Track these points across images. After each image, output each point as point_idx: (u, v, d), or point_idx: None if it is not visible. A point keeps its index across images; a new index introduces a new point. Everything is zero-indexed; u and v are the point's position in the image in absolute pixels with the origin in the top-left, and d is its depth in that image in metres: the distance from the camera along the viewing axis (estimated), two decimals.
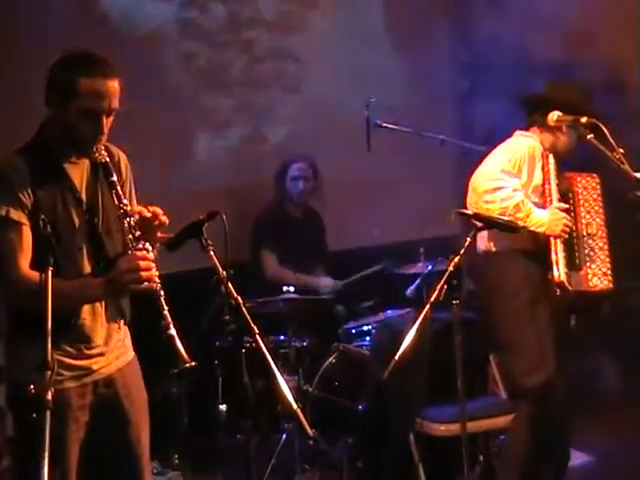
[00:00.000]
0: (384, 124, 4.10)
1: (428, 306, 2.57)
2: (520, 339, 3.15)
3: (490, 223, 2.78)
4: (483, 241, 3.24)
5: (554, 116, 3.15)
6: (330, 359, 4.00)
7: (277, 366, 2.19)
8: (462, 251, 2.60)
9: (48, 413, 1.90)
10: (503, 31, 4.61)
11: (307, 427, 2.18)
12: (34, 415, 1.90)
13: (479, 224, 2.70)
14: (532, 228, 3.08)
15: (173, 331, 2.20)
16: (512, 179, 3.08)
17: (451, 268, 2.58)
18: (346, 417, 3.79)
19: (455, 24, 5.19)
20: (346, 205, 4.71)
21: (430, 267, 4.01)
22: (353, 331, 4.14)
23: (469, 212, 2.73)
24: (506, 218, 2.93)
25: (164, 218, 2.31)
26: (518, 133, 3.32)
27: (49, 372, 1.93)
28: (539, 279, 3.14)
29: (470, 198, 3.13)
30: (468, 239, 2.62)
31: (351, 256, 4.71)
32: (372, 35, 5.03)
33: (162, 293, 2.22)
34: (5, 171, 2.25)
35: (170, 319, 2.21)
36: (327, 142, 4.70)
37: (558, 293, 3.10)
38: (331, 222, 4.62)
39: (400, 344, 2.57)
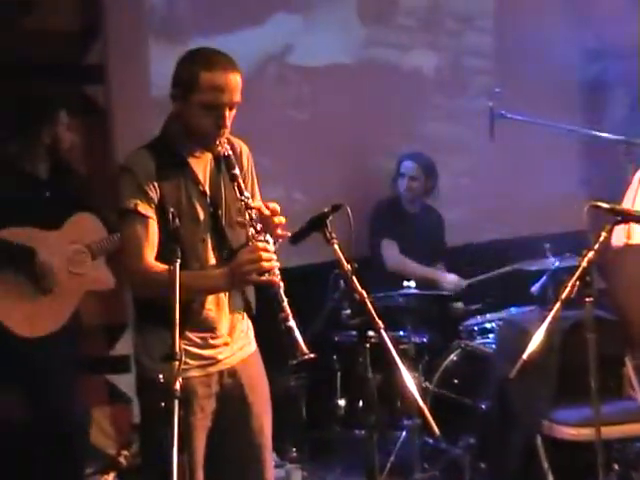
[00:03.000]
0: (509, 115, 3.99)
1: (558, 303, 2.47)
2: None
3: (629, 217, 2.64)
4: (617, 236, 3.10)
5: None
6: (452, 356, 3.93)
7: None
8: (596, 246, 2.49)
9: (176, 402, 1.94)
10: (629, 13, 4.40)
11: (434, 425, 2.13)
12: (162, 404, 1.95)
13: (617, 218, 2.57)
14: None
15: (292, 322, 2.21)
16: None
17: (584, 264, 2.47)
18: (467, 416, 3.72)
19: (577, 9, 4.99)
20: (468, 198, 4.61)
21: (557, 263, 3.87)
22: (475, 328, 4.06)
23: (605, 205, 2.61)
24: None
25: (281, 218, 2.32)
26: None
27: (177, 362, 1.97)
28: None
29: None
30: (603, 234, 2.51)
31: (472, 252, 4.61)
32: None
33: (282, 285, 2.24)
34: (131, 166, 2.32)
35: (289, 311, 2.22)
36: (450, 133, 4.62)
37: None
38: (451, 216, 4.54)
39: (526, 342, 2.48)
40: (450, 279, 4.30)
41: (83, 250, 3.36)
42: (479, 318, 4.11)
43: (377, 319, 2.16)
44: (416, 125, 4.68)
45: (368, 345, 2.19)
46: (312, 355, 2.20)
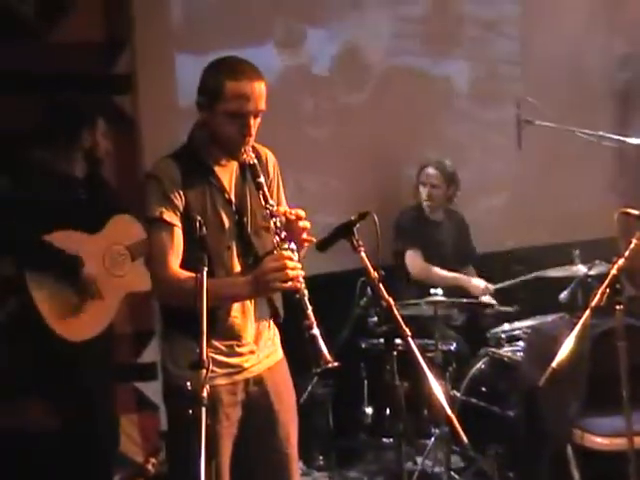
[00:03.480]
0: (537, 121, 3.96)
1: (588, 311, 2.45)
2: None
3: None
4: None
5: None
6: (479, 364, 3.90)
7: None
8: (627, 253, 2.46)
9: (203, 409, 1.93)
10: None
11: (462, 434, 2.12)
12: (190, 411, 1.95)
13: None
14: None
15: (316, 331, 2.20)
16: None
17: (615, 271, 2.45)
18: (495, 424, 3.69)
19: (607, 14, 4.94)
20: (497, 206, 4.59)
21: (586, 270, 3.82)
22: (502, 336, 4.02)
23: (636, 212, 2.58)
24: None
25: (306, 223, 2.32)
26: None
27: (204, 370, 1.97)
28: None
29: None
30: (634, 241, 2.48)
31: (501, 259, 4.58)
32: None
33: (306, 293, 2.23)
34: (157, 173, 2.33)
35: (313, 319, 2.21)
36: (477, 140, 4.60)
37: None
38: (478, 223, 4.51)
39: (555, 350, 2.46)
40: (476, 283, 4.28)
41: (123, 252, 3.41)
42: (507, 326, 4.08)
43: (404, 327, 2.15)
44: (444, 133, 4.67)
45: (395, 353, 2.18)
46: (336, 364, 2.19)
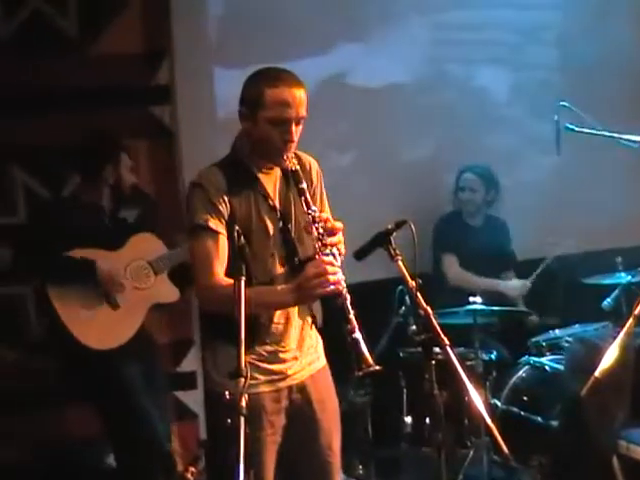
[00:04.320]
0: (576, 128, 3.91)
1: (632, 319, 2.41)
2: None
3: None
4: None
5: None
6: (520, 373, 3.86)
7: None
8: None
9: (242, 419, 1.94)
10: None
11: (503, 445, 2.10)
12: (229, 420, 1.96)
13: None
14: None
15: (358, 334, 2.20)
16: None
17: None
18: (538, 435, 3.64)
19: None
20: (537, 213, 4.54)
21: (630, 278, 3.76)
22: (544, 344, 3.97)
23: None
24: None
25: (340, 236, 2.32)
26: None
27: (243, 379, 1.97)
28: None
29: None
30: None
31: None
32: None
33: (348, 297, 2.24)
34: (202, 182, 2.36)
35: (355, 323, 2.21)
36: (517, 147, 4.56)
37: None
38: (520, 229, 4.47)
39: (599, 359, 2.43)
40: (512, 285, 4.25)
41: (145, 266, 3.46)
42: (549, 334, 4.03)
43: (442, 335, 2.14)
44: (481, 140, 4.63)
45: (434, 362, 2.17)
46: (378, 367, 2.19)
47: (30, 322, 3.85)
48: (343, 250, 2.34)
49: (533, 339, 4.03)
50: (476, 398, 2.08)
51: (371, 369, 2.18)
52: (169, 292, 3.53)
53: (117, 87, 3.89)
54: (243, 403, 1.96)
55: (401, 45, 4.49)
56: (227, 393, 2.01)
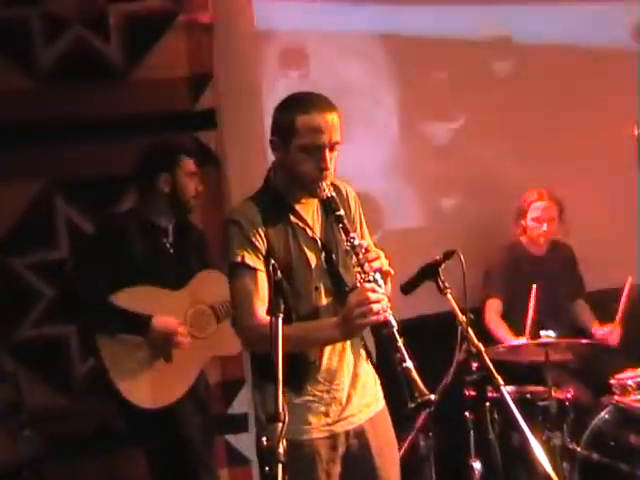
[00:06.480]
0: None
1: None
2: None
3: None
4: None
5: None
6: (602, 414, 3.75)
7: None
8: None
9: (280, 466, 1.93)
10: None
11: None
12: (267, 468, 1.95)
13: None
14: None
15: (409, 363, 2.18)
16: None
17: None
18: None
19: None
20: (609, 238, 4.46)
21: None
22: (629, 382, 3.86)
23: None
24: None
25: (383, 261, 2.31)
26: None
27: (280, 423, 1.97)
28: None
29: None
30: None
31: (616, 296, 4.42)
32: None
33: (395, 324, 2.21)
34: (237, 217, 2.38)
35: (405, 351, 2.18)
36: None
37: None
38: (592, 258, 4.39)
39: None
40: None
41: (207, 312, 3.35)
42: (634, 372, 3.93)
43: (496, 374, 2.11)
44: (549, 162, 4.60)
45: (488, 403, 2.15)
46: (433, 397, 2.15)
47: (73, 363, 3.91)
48: (388, 268, 2.31)
49: (618, 376, 3.93)
50: (534, 444, 2.03)
51: (425, 398, 2.14)
52: (231, 344, 3.16)
53: (162, 113, 3.97)
54: (281, 450, 1.94)
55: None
56: (264, 439, 1.99)
